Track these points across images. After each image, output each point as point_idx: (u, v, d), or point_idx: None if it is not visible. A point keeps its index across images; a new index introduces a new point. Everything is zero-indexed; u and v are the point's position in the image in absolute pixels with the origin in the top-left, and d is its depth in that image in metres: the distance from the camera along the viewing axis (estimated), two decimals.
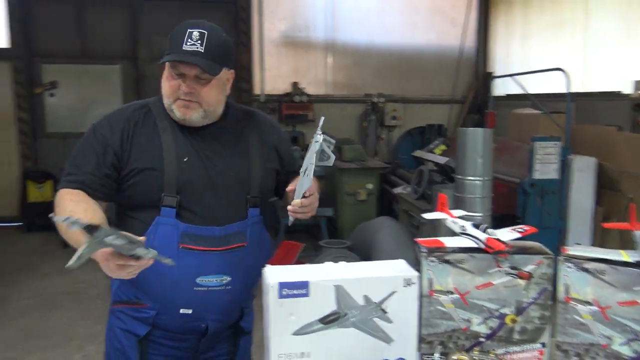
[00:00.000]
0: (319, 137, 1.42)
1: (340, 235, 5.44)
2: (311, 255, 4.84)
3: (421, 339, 1.48)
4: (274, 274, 1.45)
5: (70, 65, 6.42)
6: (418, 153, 4.90)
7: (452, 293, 1.44)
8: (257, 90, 7.01)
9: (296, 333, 1.43)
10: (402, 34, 7.26)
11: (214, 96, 1.54)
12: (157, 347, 1.63)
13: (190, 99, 1.50)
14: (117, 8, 6.50)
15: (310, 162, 1.44)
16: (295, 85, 6.93)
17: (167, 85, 1.53)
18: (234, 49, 1.62)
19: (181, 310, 1.57)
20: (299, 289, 1.41)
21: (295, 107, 6.86)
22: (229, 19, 6.82)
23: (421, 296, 1.45)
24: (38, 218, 6.27)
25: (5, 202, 6.64)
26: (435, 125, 6.88)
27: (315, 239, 5.79)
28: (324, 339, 1.44)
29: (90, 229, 1.13)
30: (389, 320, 1.47)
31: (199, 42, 1.47)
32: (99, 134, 1.55)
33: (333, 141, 1.45)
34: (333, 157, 1.44)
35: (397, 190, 4.74)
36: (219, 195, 1.56)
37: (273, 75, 7.09)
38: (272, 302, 1.40)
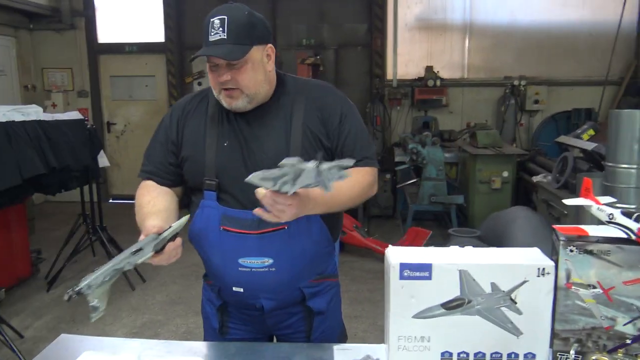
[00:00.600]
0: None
1: (470, 225, 5.22)
2: (439, 244, 4.70)
3: (554, 335, 1.36)
4: (395, 254, 1.42)
5: None
6: (562, 139, 4.50)
7: (594, 287, 1.30)
8: (389, 75, 6.93)
9: (416, 316, 1.39)
10: (549, 12, 6.69)
11: (252, 78, 1.50)
12: (232, 316, 1.72)
13: (229, 86, 1.49)
14: None
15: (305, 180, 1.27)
16: (429, 69, 6.74)
17: (210, 77, 1.54)
18: (263, 23, 1.54)
19: (233, 288, 1.60)
20: (421, 271, 1.37)
21: (428, 92, 6.66)
22: (363, 4, 6.81)
23: (556, 288, 1.32)
24: (185, 196, 6.84)
25: None
26: (583, 110, 6.26)
27: (444, 227, 5.63)
28: (446, 324, 1.38)
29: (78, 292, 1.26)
30: (518, 312, 1.36)
31: (221, 29, 1.46)
32: (163, 124, 1.66)
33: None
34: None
35: (537, 178, 4.41)
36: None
37: (406, 59, 6.96)
38: (393, 283, 1.37)
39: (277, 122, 1.57)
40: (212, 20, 1.47)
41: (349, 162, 1.28)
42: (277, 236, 1.55)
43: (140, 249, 1.32)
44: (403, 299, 1.37)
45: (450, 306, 1.38)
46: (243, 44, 1.47)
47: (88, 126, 4.18)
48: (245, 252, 1.56)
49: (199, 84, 7.01)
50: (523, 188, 5.44)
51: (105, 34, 7.19)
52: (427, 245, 4.50)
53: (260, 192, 1.31)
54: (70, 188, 3.99)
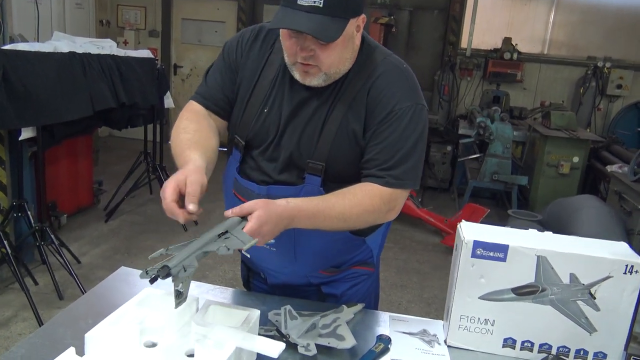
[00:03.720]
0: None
1: (530, 208, 5.01)
2: (495, 224, 4.54)
3: (632, 337, 1.26)
4: (469, 230, 1.33)
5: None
6: None
7: None
8: (463, 43, 6.63)
9: (483, 297, 1.31)
10: None
11: (337, 57, 1.27)
12: (255, 276, 1.67)
13: (309, 62, 1.26)
14: None
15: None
16: (506, 40, 6.39)
17: (285, 44, 1.29)
18: None
19: (242, 251, 1.45)
20: (496, 251, 1.28)
21: (502, 65, 6.34)
22: None
23: None
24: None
25: None
26: None
27: (501, 208, 5.44)
28: (513, 310, 1.29)
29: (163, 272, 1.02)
30: (595, 307, 1.27)
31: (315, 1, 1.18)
32: (225, 52, 1.47)
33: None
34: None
35: (612, 168, 4.14)
36: (278, 152, 1.37)
37: (483, 28, 6.62)
38: (463, 260, 1.29)
39: (320, 107, 1.35)
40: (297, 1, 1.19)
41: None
42: None
43: (225, 232, 1.12)
44: (472, 278, 1.30)
45: (522, 292, 1.29)
46: (340, 16, 1.21)
47: (157, 66, 4.21)
48: None
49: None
50: (592, 177, 5.15)
51: None
52: (482, 223, 4.35)
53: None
54: (136, 125, 4.06)
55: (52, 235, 3.20)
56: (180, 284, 1.04)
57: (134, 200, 4.79)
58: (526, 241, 1.29)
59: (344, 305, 1.40)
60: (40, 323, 2.79)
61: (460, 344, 1.34)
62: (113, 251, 3.84)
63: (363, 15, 1.30)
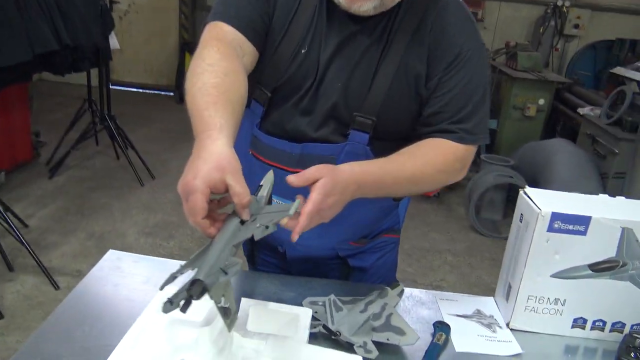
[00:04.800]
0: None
1: (496, 152, 4.96)
2: (470, 171, 4.47)
3: None
4: (544, 199, 1.14)
5: None
6: (619, 70, 4.15)
7: None
8: None
9: (556, 275, 1.14)
10: None
11: None
12: (262, 253, 1.43)
13: None
14: None
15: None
16: None
17: None
18: None
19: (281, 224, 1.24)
20: (576, 224, 1.10)
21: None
22: None
23: None
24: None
25: (163, 71, 6.89)
26: (628, 41, 5.82)
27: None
28: (587, 287, 1.14)
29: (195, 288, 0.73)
30: None
31: None
32: None
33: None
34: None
35: (584, 110, 4.11)
36: (316, 103, 1.13)
37: None
38: (538, 235, 1.11)
39: (372, 45, 1.11)
40: None
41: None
42: None
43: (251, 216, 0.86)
44: (545, 255, 1.12)
45: (599, 268, 1.14)
46: None
47: (101, 1, 3.69)
48: (274, 189, 1.13)
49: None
50: (555, 119, 5.15)
51: None
52: None
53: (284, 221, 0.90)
54: (81, 69, 3.57)
55: None
56: (223, 297, 0.76)
57: (79, 153, 4.34)
58: (610, 212, 1.11)
59: (387, 287, 1.20)
60: None
61: (525, 326, 1.18)
62: (63, 212, 3.46)
63: None
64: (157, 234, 3.30)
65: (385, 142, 1.12)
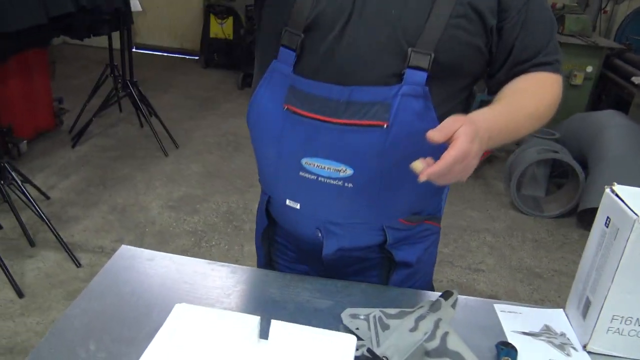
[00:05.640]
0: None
1: None
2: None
3: None
4: (637, 201, 0.94)
5: None
6: None
7: None
8: None
9: None
10: None
11: None
12: (280, 248, 1.25)
13: None
14: None
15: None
16: None
17: None
18: None
19: (287, 202, 1.09)
20: None
21: None
22: None
23: None
24: (217, 55, 6.23)
25: (187, 35, 6.69)
26: None
27: None
28: None
29: None
30: None
31: None
32: None
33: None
34: None
35: (639, 79, 3.78)
36: (362, 40, 0.97)
37: None
38: (632, 246, 0.90)
39: None
40: None
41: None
42: (368, 135, 0.97)
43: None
44: (638, 269, 0.93)
45: None
46: None
47: None
48: (313, 149, 1.01)
49: None
50: (604, 88, 4.79)
51: None
52: None
53: (418, 165, 0.83)
54: (100, 33, 3.41)
55: (12, 173, 2.69)
56: None
57: (102, 121, 4.23)
58: None
59: (439, 298, 1.02)
60: (9, 278, 2.36)
61: (607, 350, 0.99)
62: (86, 183, 3.35)
63: None
64: (181, 208, 3.17)
65: (445, 82, 1.00)
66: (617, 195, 0.97)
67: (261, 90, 1.07)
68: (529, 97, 1.03)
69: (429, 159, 0.84)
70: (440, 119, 0.91)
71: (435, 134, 0.82)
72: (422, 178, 0.81)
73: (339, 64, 0.97)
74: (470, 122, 0.84)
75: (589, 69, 4.52)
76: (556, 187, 3.81)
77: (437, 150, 0.87)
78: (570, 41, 4.49)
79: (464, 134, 0.81)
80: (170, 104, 4.86)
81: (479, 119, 0.88)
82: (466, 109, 1.10)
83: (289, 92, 1.01)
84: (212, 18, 6.13)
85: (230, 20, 6.09)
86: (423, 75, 0.95)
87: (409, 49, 0.95)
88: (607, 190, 1.00)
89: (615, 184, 1.01)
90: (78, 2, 2.88)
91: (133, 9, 3.83)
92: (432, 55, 0.95)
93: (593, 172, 3.34)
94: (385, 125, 0.96)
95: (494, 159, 4.10)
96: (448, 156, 0.80)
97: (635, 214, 0.90)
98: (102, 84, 4.04)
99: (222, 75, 6.02)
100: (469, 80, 1.06)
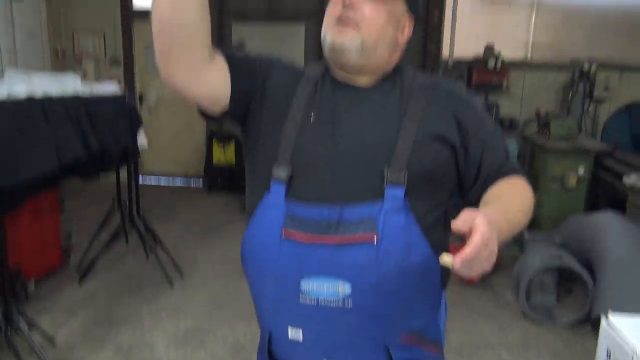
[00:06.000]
0: None
1: (537, 227, 4.72)
2: (510, 249, 4.23)
3: None
4: (638, 333, 0.95)
5: (257, 24, 6.36)
6: None
7: None
8: (445, 54, 6.36)
9: None
10: None
11: (380, 23, 1.13)
12: None
13: (349, 15, 1.11)
14: None
15: None
16: (489, 48, 6.15)
17: (329, 12, 1.17)
18: None
19: (289, 332, 1.14)
20: None
21: (487, 74, 6.08)
22: None
23: None
24: (220, 180, 6.45)
25: (191, 162, 6.96)
26: None
27: None
28: None
29: None
30: None
31: None
32: (265, 58, 1.26)
33: None
34: None
35: (630, 180, 3.88)
36: (343, 165, 1.11)
37: (465, 35, 6.36)
38: None
39: (391, 102, 1.17)
40: None
41: None
42: (360, 249, 1.06)
43: None
44: None
45: None
46: None
47: (127, 100, 3.73)
48: (311, 269, 1.08)
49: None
50: (598, 188, 4.90)
51: None
52: None
53: (447, 260, 0.89)
54: (109, 171, 3.56)
55: (20, 317, 2.69)
56: None
57: (109, 255, 4.27)
58: None
59: None
60: None
61: None
62: (92, 322, 3.32)
63: (410, 22, 1.20)
64: (188, 343, 3.12)
65: (421, 195, 1.12)
66: (614, 327, 0.99)
67: (254, 224, 1.16)
68: (515, 196, 1.15)
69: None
70: (424, 231, 1.10)
71: (459, 224, 0.89)
72: (457, 263, 0.87)
73: (326, 188, 1.11)
74: (482, 214, 0.91)
75: (581, 171, 4.66)
76: (566, 291, 3.76)
77: (425, 260, 1.08)
78: (559, 146, 4.67)
79: (482, 222, 0.89)
80: (176, 232, 4.94)
81: (488, 212, 0.96)
82: (446, 225, 1.20)
83: (288, 219, 1.10)
84: (215, 144, 6.43)
85: (232, 145, 6.38)
86: (401, 190, 1.09)
87: (386, 168, 1.09)
88: (604, 322, 1.03)
89: (610, 312, 1.04)
90: (89, 145, 3.05)
91: (140, 145, 4.04)
92: (406, 171, 1.09)
93: (599, 276, 3.32)
94: (374, 240, 1.07)
95: (500, 267, 4.09)
96: (475, 240, 0.87)
97: (633, 350, 0.91)
98: (109, 218, 4.14)
99: (226, 199, 6.18)
100: (444, 195, 1.20)
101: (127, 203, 4.01)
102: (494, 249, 0.90)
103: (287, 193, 1.12)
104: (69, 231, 4.31)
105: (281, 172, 1.13)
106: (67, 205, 4.95)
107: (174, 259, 4.06)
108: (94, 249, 4.01)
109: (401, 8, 1.18)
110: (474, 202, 1.17)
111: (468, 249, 0.86)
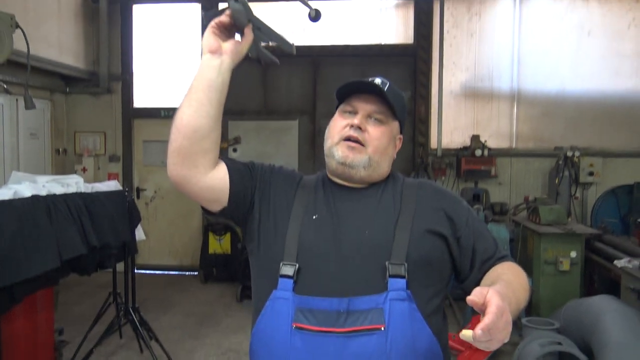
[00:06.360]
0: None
1: (536, 312, 4.70)
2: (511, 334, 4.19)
3: None
4: None
5: (253, 121, 6.66)
6: None
7: None
8: (433, 144, 6.63)
9: None
10: (601, 81, 6.42)
11: (383, 143, 1.33)
12: None
13: (357, 137, 1.29)
14: (300, 66, 6.65)
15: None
16: (475, 138, 6.43)
17: (335, 125, 1.35)
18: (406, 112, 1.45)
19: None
20: None
21: (475, 162, 6.33)
22: (408, 72, 6.61)
23: None
24: (215, 269, 6.44)
25: (187, 252, 6.98)
26: None
27: None
28: None
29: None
30: None
31: (381, 83, 1.33)
32: (267, 167, 1.41)
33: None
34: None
35: (621, 263, 3.94)
36: (347, 260, 1.23)
37: (451, 127, 6.68)
38: None
39: (385, 202, 1.32)
40: (370, 78, 1.34)
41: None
42: (369, 339, 1.15)
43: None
44: None
45: None
46: (396, 105, 1.34)
47: (128, 198, 3.84)
48: (323, 357, 1.16)
49: (234, 150, 6.75)
50: (592, 271, 4.94)
51: (142, 98, 7.03)
52: None
53: (468, 335, 0.97)
54: (107, 267, 3.60)
55: None
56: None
57: (102, 349, 4.19)
58: None
59: None
60: None
61: None
62: None
63: (401, 136, 1.40)
64: None
65: (421, 285, 1.22)
66: None
67: (264, 318, 1.23)
68: (513, 276, 1.25)
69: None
70: (426, 319, 1.19)
71: (474, 298, 0.99)
72: (478, 332, 0.95)
73: (333, 282, 1.20)
74: (495, 290, 1.01)
75: (573, 254, 4.72)
76: None
77: (430, 347, 1.17)
78: (549, 230, 4.76)
79: (494, 294, 0.99)
80: (171, 324, 4.87)
81: (496, 287, 1.05)
82: (443, 314, 1.31)
83: (298, 312, 1.18)
84: (211, 235, 6.48)
85: (228, 236, 6.44)
86: (403, 282, 1.19)
87: (387, 262, 1.20)
88: None
89: None
90: (89, 242, 3.12)
91: (138, 238, 4.10)
92: (406, 264, 1.19)
93: None
94: (382, 328, 1.15)
95: (500, 354, 4.03)
96: (492, 309, 0.96)
97: None
98: (104, 312, 4.11)
99: (221, 289, 6.14)
100: (441, 285, 1.30)
101: (123, 296, 4.00)
102: (509, 319, 0.99)
103: (295, 288, 1.21)
104: (61, 327, 4.24)
105: (289, 269, 1.22)
106: (61, 298, 4.91)
107: (168, 354, 3.98)
108: (87, 343, 3.94)
109: (396, 128, 1.37)
110: (469, 290, 1.25)
111: (487, 319, 0.95)
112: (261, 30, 1.24)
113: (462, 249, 1.30)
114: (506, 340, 1.00)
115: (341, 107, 1.37)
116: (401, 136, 1.41)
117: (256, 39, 1.25)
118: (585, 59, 6.46)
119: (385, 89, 1.31)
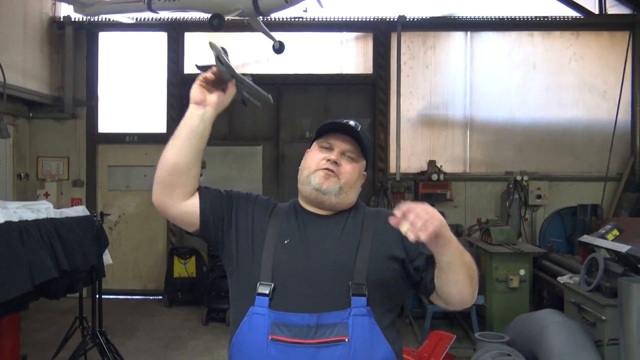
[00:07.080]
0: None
1: (489, 327, 4.98)
2: (464, 348, 4.44)
3: None
4: None
5: (218, 147, 6.82)
6: (586, 239, 4.40)
7: None
8: (392, 169, 6.93)
9: None
10: (546, 110, 6.91)
11: (354, 177, 1.55)
12: None
13: (333, 169, 1.51)
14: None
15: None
16: (431, 163, 6.77)
17: (312, 156, 1.56)
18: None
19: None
20: None
21: (432, 186, 6.66)
22: (368, 100, 6.94)
23: None
24: (180, 293, 6.49)
25: (151, 276, 7.00)
26: (589, 206, 6.29)
27: (458, 328, 5.37)
28: None
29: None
30: None
31: (354, 125, 1.55)
32: (243, 195, 1.61)
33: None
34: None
35: (563, 279, 4.26)
36: (316, 280, 1.43)
37: (409, 153, 7.01)
38: None
39: (349, 227, 1.52)
40: (344, 120, 1.57)
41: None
42: (336, 350, 1.36)
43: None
44: None
45: None
46: (366, 146, 1.57)
47: (96, 222, 3.94)
48: None
49: (200, 175, 6.85)
50: (540, 287, 5.27)
51: (106, 124, 7.10)
52: (450, 351, 4.23)
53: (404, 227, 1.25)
54: (76, 290, 3.67)
55: None
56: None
57: None
58: None
59: None
60: None
61: None
62: None
63: (365, 173, 1.61)
64: None
65: (379, 302, 1.42)
66: None
67: (242, 331, 1.43)
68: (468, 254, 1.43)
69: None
70: (383, 332, 1.40)
71: (393, 217, 1.26)
72: (397, 212, 1.24)
73: (304, 299, 1.41)
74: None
75: (522, 272, 5.04)
76: None
77: (386, 355, 1.39)
78: (500, 250, 5.08)
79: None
80: (137, 348, 4.91)
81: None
82: (397, 327, 1.53)
83: (274, 326, 1.39)
84: (176, 259, 6.54)
85: (193, 259, 6.52)
86: (364, 299, 1.40)
87: (350, 282, 1.40)
88: None
89: None
90: (60, 266, 3.20)
91: (105, 262, 4.17)
92: (366, 284, 1.40)
93: None
94: (347, 339, 1.36)
95: None
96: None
97: None
98: (70, 336, 4.14)
99: (186, 312, 6.19)
100: (397, 301, 1.53)
101: (90, 320, 4.05)
102: (429, 208, 1.24)
103: (270, 304, 1.41)
104: (25, 353, 4.24)
105: (265, 288, 1.41)
106: (24, 325, 4.89)
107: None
108: None
109: (363, 165, 1.60)
110: (431, 289, 1.47)
111: (402, 206, 1.25)
112: (243, 84, 1.46)
113: (416, 265, 1.49)
114: (437, 227, 1.24)
115: (319, 141, 1.57)
116: (365, 173, 1.62)
117: (239, 91, 1.47)
118: (531, 90, 6.94)
119: (359, 130, 1.55)
